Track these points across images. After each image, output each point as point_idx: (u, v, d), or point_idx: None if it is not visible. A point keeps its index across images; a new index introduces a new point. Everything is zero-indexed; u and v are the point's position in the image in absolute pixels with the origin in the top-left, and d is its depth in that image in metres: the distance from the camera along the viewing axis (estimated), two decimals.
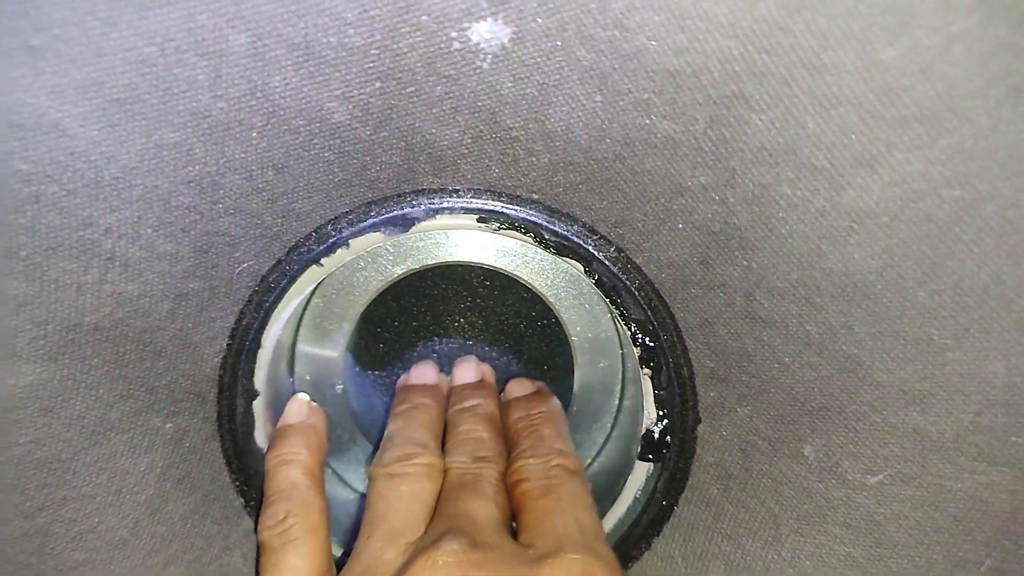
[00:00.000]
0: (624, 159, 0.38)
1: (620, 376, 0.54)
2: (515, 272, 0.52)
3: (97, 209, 0.36)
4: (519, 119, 0.37)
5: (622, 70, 0.35)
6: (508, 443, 0.48)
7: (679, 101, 0.35)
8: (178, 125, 0.35)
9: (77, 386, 0.39)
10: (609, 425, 0.55)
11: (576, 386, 0.55)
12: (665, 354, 0.45)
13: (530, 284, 0.52)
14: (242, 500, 0.46)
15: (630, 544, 0.48)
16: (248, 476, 0.46)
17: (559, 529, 0.39)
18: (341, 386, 0.54)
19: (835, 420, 0.41)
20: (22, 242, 0.35)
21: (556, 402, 0.52)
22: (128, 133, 0.34)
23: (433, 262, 0.52)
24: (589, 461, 0.55)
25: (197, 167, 0.37)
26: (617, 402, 0.55)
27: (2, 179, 0.33)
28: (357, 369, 0.57)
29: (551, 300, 0.53)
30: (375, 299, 0.53)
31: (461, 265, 0.53)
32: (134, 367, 0.41)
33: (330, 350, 0.53)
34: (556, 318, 0.54)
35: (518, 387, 0.54)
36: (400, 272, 0.52)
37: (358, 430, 0.56)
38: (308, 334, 0.53)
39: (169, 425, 0.43)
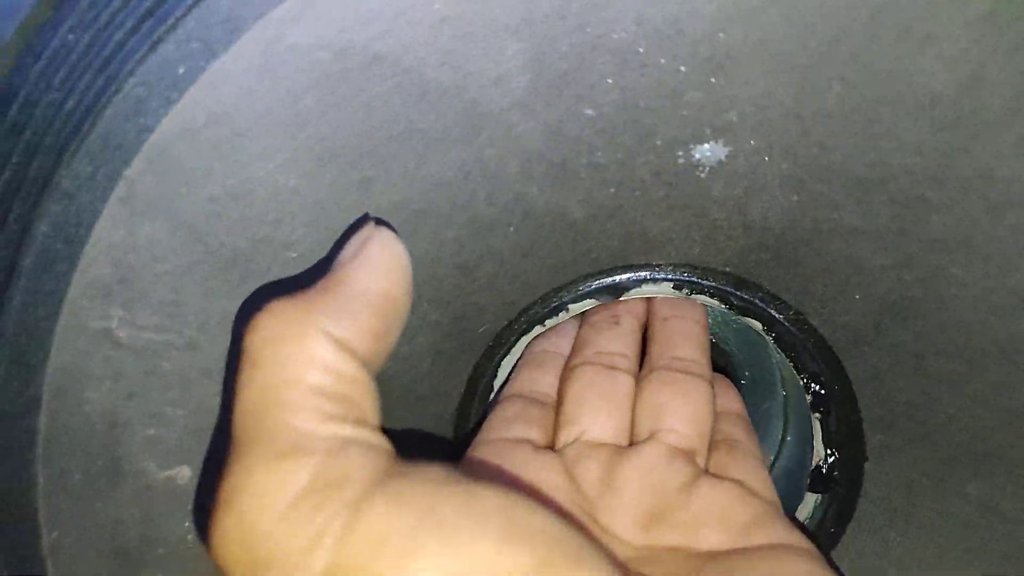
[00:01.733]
0: (811, 243, 0.46)
1: (783, 415, 0.61)
2: None
3: None
4: (723, 213, 0.46)
5: (818, 178, 0.42)
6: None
7: (866, 201, 0.42)
8: (457, 226, 0.45)
9: None
10: (772, 458, 0.62)
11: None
12: (835, 401, 0.52)
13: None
14: None
15: None
16: None
17: None
18: None
19: (997, 465, 0.47)
20: None
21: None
22: (422, 236, 0.44)
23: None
24: None
25: (465, 256, 0.46)
26: (780, 437, 0.62)
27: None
28: None
29: (722, 345, 0.61)
30: None
31: None
32: (398, 412, 0.51)
33: None
34: (726, 361, 0.62)
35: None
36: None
37: None
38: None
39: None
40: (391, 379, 0.49)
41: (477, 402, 0.54)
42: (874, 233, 0.44)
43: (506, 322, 0.52)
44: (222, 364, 0.44)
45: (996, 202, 0.40)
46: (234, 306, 0.43)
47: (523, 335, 0.53)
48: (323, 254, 0.43)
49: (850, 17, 0.37)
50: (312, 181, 0.40)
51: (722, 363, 0.62)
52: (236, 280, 0.42)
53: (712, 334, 0.60)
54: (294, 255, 0.43)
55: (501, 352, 0.53)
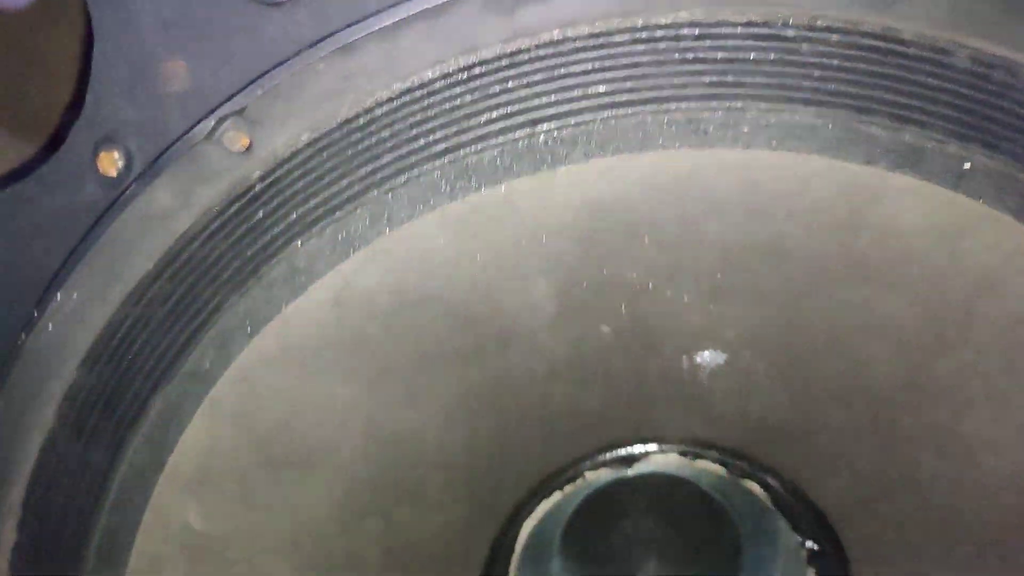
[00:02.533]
0: (802, 440, 0.52)
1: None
2: (695, 481, 0.66)
3: (432, 476, 0.52)
4: (725, 407, 0.52)
5: (805, 389, 0.49)
6: None
7: (848, 402, 0.49)
8: (490, 421, 0.51)
9: None
10: None
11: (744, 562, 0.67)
12: (833, 563, 0.57)
13: (707, 489, 0.66)
14: None
15: None
16: None
17: None
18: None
19: None
20: (383, 496, 0.51)
21: None
22: (459, 431, 0.50)
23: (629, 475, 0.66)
24: None
25: (496, 446, 0.52)
26: None
27: (383, 466, 0.50)
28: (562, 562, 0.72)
29: (724, 502, 0.66)
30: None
31: (649, 475, 0.67)
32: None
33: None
34: (727, 517, 0.67)
35: None
36: (602, 482, 0.66)
37: None
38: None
39: None
40: (426, 545, 0.55)
41: (498, 567, 0.59)
42: (856, 430, 0.50)
43: (527, 491, 0.58)
44: (282, 544, 0.49)
45: (961, 401, 0.46)
46: (295, 494, 0.48)
47: (543, 499, 0.58)
48: (377, 454, 0.49)
49: (825, 263, 0.44)
50: (368, 392, 0.46)
51: (724, 518, 0.68)
52: (297, 475, 0.48)
53: (716, 492, 0.66)
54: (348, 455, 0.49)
55: (520, 516, 0.59)
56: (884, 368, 0.47)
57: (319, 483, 0.48)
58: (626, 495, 0.71)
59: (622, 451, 0.57)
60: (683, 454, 0.57)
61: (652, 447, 0.57)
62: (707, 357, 0.49)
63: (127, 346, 0.43)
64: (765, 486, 0.57)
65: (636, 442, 0.57)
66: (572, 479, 0.58)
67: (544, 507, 0.59)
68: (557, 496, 0.59)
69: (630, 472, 0.66)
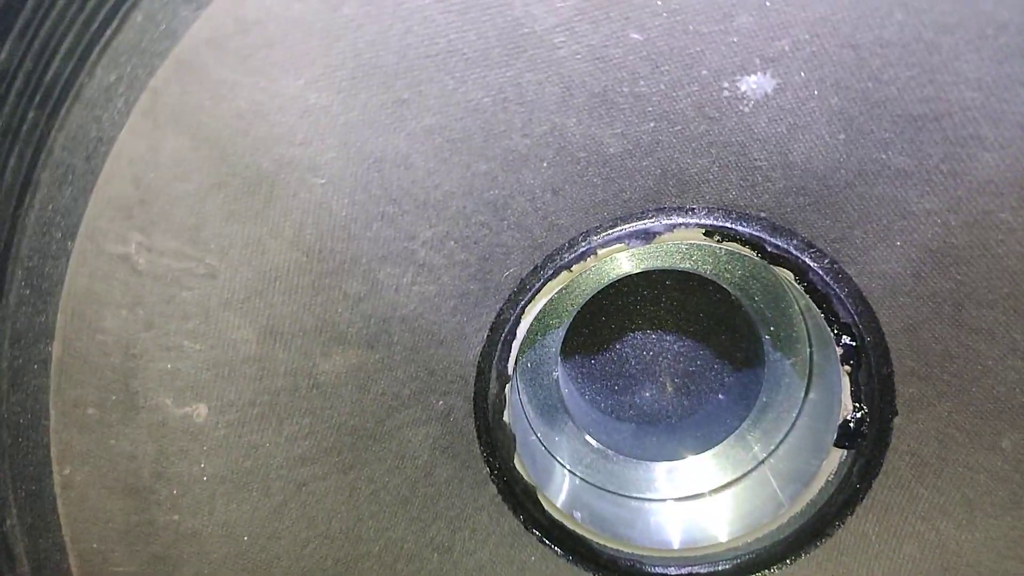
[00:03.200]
0: (855, 186, 0.44)
1: (808, 372, 0.60)
2: (715, 277, 0.59)
3: (421, 225, 0.44)
4: (765, 152, 0.44)
5: (869, 115, 0.41)
6: None
7: (917, 140, 0.41)
8: (490, 157, 0.43)
9: (383, 368, 0.48)
10: (795, 414, 0.61)
11: (766, 380, 0.61)
12: (867, 353, 0.51)
13: (728, 288, 0.59)
14: (487, 469, 0.55)
15: (824, 522, 0.54)
16: (495, 449, 0.54)
17: None
18: (556, 373, 0.62)
19: None
20: (365, 251, 0.44)
21: None
22: (454, 165, 0.42)
23: (641, 269, 0.59)
24: (776, 444, 0.61)
25: (497, 191, 0.45)
26: (803, 395, 0.61)
27: (362, 202, 0.42)
28: (567, 360, 0.65)
29: (745, 302, 0.59)
30: (589, 300, 0.61)
31: (666, 270, 0.60)
32: (423, 353, 0.49)
33: (551, 341, 0.61)
34: (749, 319, 0.60)
35: None
36: (614, 277, 0.59)
37: (567, 412, 0.63)
38: (534, 328, 0.61)
39: (441, 403, 0.51)
40: (416, 319, 0.48)
41: (500, 350, 0.53)
42: (923, 175, 0.42)
43: (532, 267, 0.51)
44: (244, 295, 0.42)
45: None
46: (257, 232, 0.41)
47: (548, 281, 0.51)
48: (353, 182, 0.41)
49: None
50: (345, 100, 0.38)
51: (746, 320, 0.61)
52: (260, 204, 0.40)
53: (738, 291, 0.59)
54: (322, 181, 0.41)
55: (525, 299, 0.51)
56: (971, 91, 0.39)
57: (286, 217, 0.41)
58: (637, 302, 0.64)
59: (640, 224, 0.50)
60: (709, 233, 0.50)
61: (675, 219, 0.49)
62: (753, 84, 0.41)
63: (43, 10, 0.34)
64: (799, 272, 0.50)
65: (656, 213, 0.49)
66: (582, 256, 0.50)
67: (549, 290, 0.52)
68: (564, 278, 0.51)
69: (640, 255, 0.59)
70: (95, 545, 0.43)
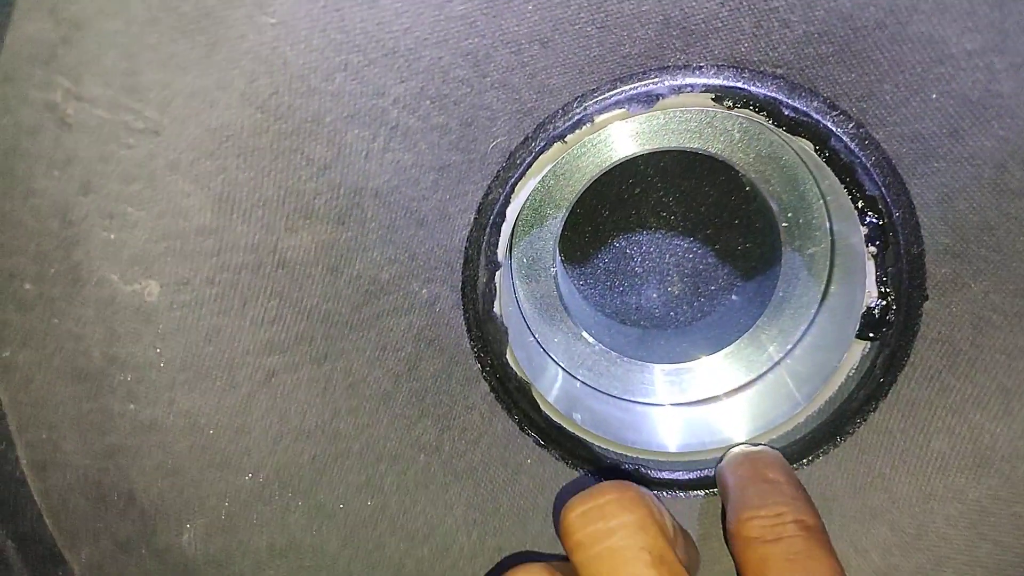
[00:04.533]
0: (886, 26, 0.39)
1: (828, 262, 0.55)
2: (727, 158, 0.53)
3: (390, 79, 0.39)
4: None
5: None
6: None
7: None
8: None
9: (357, 248, 0.44)
10: (813, 311, 0.56)
11: (782, 274, 0.56)
12: (896, 231, 0.46)
13: (742, 170, 0.54)
14: (479, 365, 0.50)
15: (844, 419, 0.50)
16: (486, 343, 0.50)
17: None
18: (555, 268, 0.58)
19: None
20: (328, 108, 0.39)
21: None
22: (425, 5, 0.37)
23: (646, 149, 0.54)
24: (794, 342, 0.57)
25: (476, 39, 0.39)
26: (823, 288, 0.56)
27: (320, 47, 0.37)
28: (565, 255, 0.60)
29: (761, 186, 0.54)
30: (586, 188, 0.56)
31: (673, 151, 0.55)
32: (401, 233, 0.45)
33: (547, 233, 0.57)
34: (765, 206, 0.55)
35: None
36: (616, 159, 0.54)
37: (566, 310, 0.59)
38: (529, 217, 0.56)
39: (424, 291, 0.47)
40: (390, 193, 0.43)
41: (489, 234, 0.48)
42: (964, 8, 0.36)
43: (522, 137, 0.46)
44: (193, 156, 0.38)
45: None
46: (203, 82, 0.36)
47: (541, 154, 0.46)
48: (309, 23, 0.36)
49: None
50: None
51: (761, 208, 0.56)
52: (202, 48, 0.35)
53: (752, 174, 0.54)
54: (273, 21, 0.36)
55: (515, 175, 0.47)
56: None
57: (234, 65, 0.36)
58: (642, 191, 0.59)
59: (641, 86, 0.44)
60: (719, 99, 0.44)
61: (680, 80, 0.44)
62: None
63: None
64: (820, 140, 0.44)
65: (659, 72, 0.44)
66: (577, 123, 0.45)
67: (542, 166, 0.47)
68: (558, 150, 0.46)
69: (644, 132, 0.53)
70: (44, 435, 0.40)
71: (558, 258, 0.59)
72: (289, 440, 0.45)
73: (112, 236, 0.38)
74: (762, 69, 0.43)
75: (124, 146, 0.36)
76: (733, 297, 0.62)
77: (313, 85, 0.38)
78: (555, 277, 0.58)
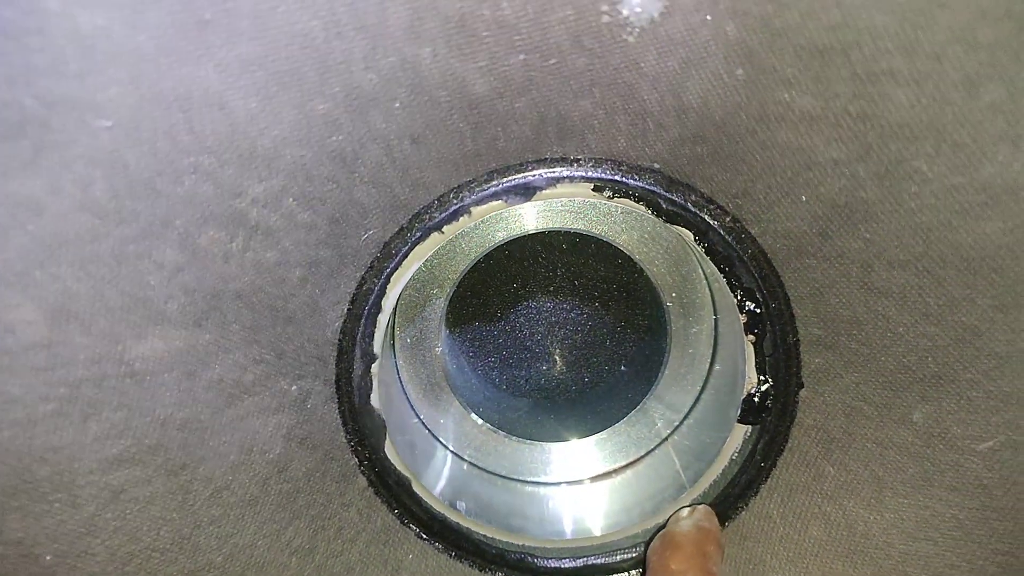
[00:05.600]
0: (756, 133, 0.39)
1: (712, 341, 0.55)
2: (612, 239, 0.53)
3: (248, 179, 0.37)
4: (656, 93, 0.38)
5: (769, 46, 0.35)
6: None
7: (824, 77, 0.35)
8: (329, 97, 0.36)
9: (217, 351, 0.41)
10: (699, 388, 0.56)
11: (669, 350, 0.56)
12: (772, 321, 0.46)
13: (627, 251, 0.53)
14: (356, 459, 0.48)
15: (727, 504, 0.50)
16: (363, 436, 0.48)
17: None
18: (439, 348, 0.56)
19: (947, 388, 0.42)
20: (178, 211, 0.36)
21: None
22: (283, 106, 0.35)
23: (529, 230, 0.53)
24: (679, 420, 0.56)
25: (341, 137, 0.37)
26: (707, 366, 0.56)
27: (165, 152, 0.34)
28: (452, 333, 0.58)
29: (646, 266, 0.54)
30: (472, 267, 0.54)
31: (558, 232, 0.54)
32: (267, 332, 0.42)
33: (430, 314, 0.55)
34: (650, 284, 0.55)
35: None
36: (500, 239, 0.53)
37: (453, 390, 0.57)
38: (411, 298, 0.54)
39: (294, 388, 0.44)
40: (254, 292, 0.40)
41: (364, 325, 0.46)
42: (830, 118, 0.37)
43: (396, 228, 0.44)
44: (20, 267, 0.34)
45: (974, 74, 0.33)
46: (28, 187, 0.33)
47: (417, 245, 0.44)
48: (152, 127, 0.33)
49: None
50: (128, 22, 0.30)
51: (647, 286, 0.56)
52: (28, 153, 0.32)
53: (637, 255, 0.53)
54: (108, 124, 0.33)
55: (391, 265, 0.45)
56: (883, 15, 0.33)
57: (66, 170, 0.33)
58: (529, 267, 0.58)
59: (518, 177, 0.43)
60: (599, 188, 0.44)
61: (558, 171, 0.43)
62: (636, 6, 0.35)
63: None
64: (699, 232, 0.44)
65: (537, 164, 0.43)
66: (454, 215, 0.43)
67: (420, 255, 0.45)
68: (435, 240, 0.45)
69: (528, 214, 0.52)
70: None
71: (444, 336, 0.57)
72: (141, 560, 0.41)
73: None
74: (639, 164, 0.43)
75: None
76: (622, 368, 0.62)
77: (160, 188, 0.35)
78: (442, 356, 0.56)
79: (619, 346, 0.60)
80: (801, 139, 0.38)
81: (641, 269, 0.55)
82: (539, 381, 0.62)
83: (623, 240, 0.53)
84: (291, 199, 0.38)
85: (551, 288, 0.59)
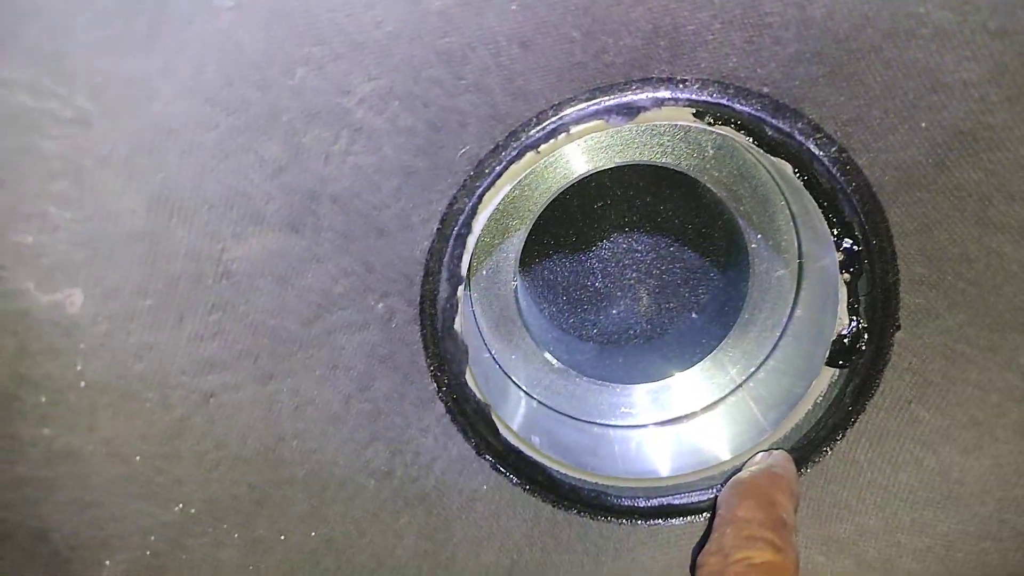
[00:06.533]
0: (881, 50, 0.37)
1: (795, 286, 0.54)
2: (699, 175, 0.51)
3: (357, 77, 0.36)
4: (779, 4, 0.36)
5: None
6: None
7: None
8: None
9: (311, 258, 0.40)
10: (779, 332, 0.55)
11: (750, 293, 0.55)
12: (871, 259, 0.44)
13: (714, 188, 0.52)
14: (435, 385, 0.47)
15: (810, 448, 0.49)
16: (443, 361, 0.47)
17: None
18: (515, 283, 0.55)
19: None
20: (287, 105, 0.35)
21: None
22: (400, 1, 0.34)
23: (617, 162, 0.51)
24: (758, 365, 0.55)
25: (452, 38, 0.36)
26: (788, 311, 0.54)
27: (280, 39, 0.33)
28: (526, 269, 0.57)
29: (732, 205, 0.52)
30: (552, 201, 0.53)
31: (643, 166, 0.52)
32: (358, 243, 0.41)
33: (508, 247, 0.54)
34: (734, 226, 0.53)
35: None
36: (580, 172, 0.51)
37: (524, 326, 0.56)
38: (491, 228, 0.53)
39: (380, 305, 0.43)
40: (351, 198, 0.39)
41: (453, 246, 0.45)
42: (965, 35, 0.35)
43: (492, 145, 0.42)
44: (127, 151, 0.33)
45: None
46: (142, 68, 0.32)
47: (512, 164, 0.43)
48: (269, 10, 0.32)
49: None
50: None
51: (730, 227, 0.54)
52: (143, 32, 0.31)
53: (723, 192, 0.52)
54: (229, 4, 0.32)
55: (483, 184, 0.43)
56: None
57: (181, 52, 0.32)
58: (608, 204, 0.57)
59: (622, 97, 0.42)
60: (700, 114, 0.42)
61: (663, 93, 0.42)
62: None
63: None
64: (801, 163, 0.43)
65: (641, 84, 0.42)
66: (552, 132, 0.42)
67: (513, 176, 0.44)
68: (529, 160, 0.43)
69: (614, 146, 0.51)
70: None
71: (518, 272, 0.56)
72: (226, 467, 0.40)
73: (30, 239, 0.33)
74: (748, 87, 0.41)
75: (48, 137, 0.31)
76: (694, 316, 0.61)
77: (270, 78, 0.34)
78: (515, 291, 0.55)
79: (694, 292, 0.59)
80: (931, 57, 0.36)
81: (725, 210, 0.54)
82: (609, 325, 0.60)
83: (710, 177, 0.51)
84: (396, 100, 0.37)
85: (626, 229, 0.57)
